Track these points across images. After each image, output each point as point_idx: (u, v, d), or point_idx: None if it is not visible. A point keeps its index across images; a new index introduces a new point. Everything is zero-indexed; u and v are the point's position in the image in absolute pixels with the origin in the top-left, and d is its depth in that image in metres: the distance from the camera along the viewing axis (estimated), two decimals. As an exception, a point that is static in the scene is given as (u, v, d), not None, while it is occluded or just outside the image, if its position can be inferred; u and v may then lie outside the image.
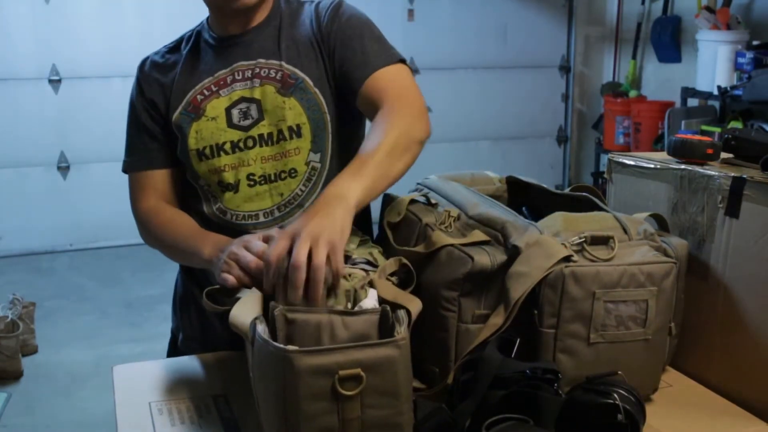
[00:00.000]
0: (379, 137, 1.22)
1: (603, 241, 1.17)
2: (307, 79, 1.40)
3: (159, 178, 1.47)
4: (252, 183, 1.40)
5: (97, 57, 4.75)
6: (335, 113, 1.41)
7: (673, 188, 1.38)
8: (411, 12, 5.29)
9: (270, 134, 1.39)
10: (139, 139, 1.47)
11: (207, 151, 1.40)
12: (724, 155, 1.40)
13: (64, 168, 4.84)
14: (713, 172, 1.31)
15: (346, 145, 1.43)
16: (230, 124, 1.40)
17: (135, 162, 1.48)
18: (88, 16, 4.71)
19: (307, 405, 0.94)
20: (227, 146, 1.40)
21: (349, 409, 0.95)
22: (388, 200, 1.40)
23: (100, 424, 2.71)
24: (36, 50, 4.66)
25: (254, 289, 1.11)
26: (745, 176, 1.25)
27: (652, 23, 5.19)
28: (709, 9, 4.49)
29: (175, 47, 1.49)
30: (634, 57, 5.42)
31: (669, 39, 5.06)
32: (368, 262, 1.22)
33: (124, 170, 1.50)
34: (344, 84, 1.39)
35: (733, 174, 1.27)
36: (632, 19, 5.42)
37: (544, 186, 1.46)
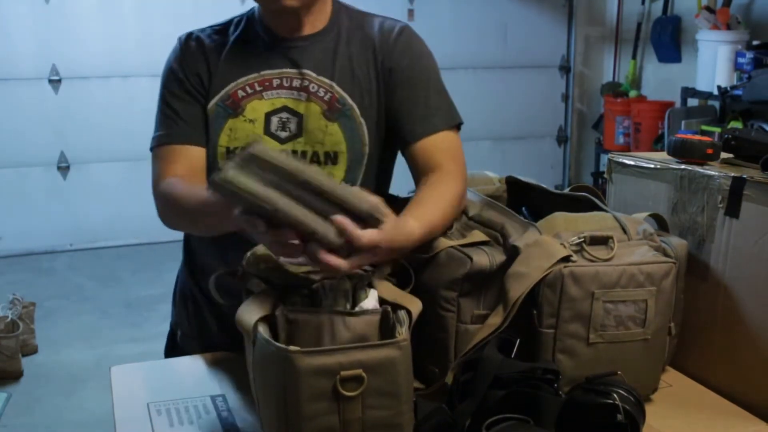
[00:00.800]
0: (444, 198, 1.24)
1: (602, 241, 1.17)
2: (356, 108, 1.35)
3: (190, 153, 1.35)
4: None
5: (97, 57, 4.75)
6: (375, 147, 1.38)
7: (673, 188, 1.38)
8: (411, 12, 5.30)
9: (304, 153, 1.35)
10: (175, 111, 1.35)
11: (238, 152, 1.34)
12: (724, 155, 1.39)
13: (64, 168, 4.84)
14: (713, 172, 1.31)
15: (376, 179, 1.41)
16: (267, 131, 1.35)
17: (168, 135, 1.35)
18: (88, 16, 4.71)
19: (307, 405, 0.94)
20: None
21: (350, 409, 0.95)
22: (391, 199, 1.39)
23: (100, 424, 2.71)
24: (36, 50, 4.66)
25: (266, 288, 1.11)
26: (745, 176, 1.25)
27: (652, 23, 5.19)
28: (709, 9, 4.49)
29: (222, 29, 1.41)
30: (634, 57, 5.41)
31: (669, 39, 5.06)
32: (368, 262, 1.21)
33: (154, 146, 1.37)
34: (396, 127, 1.36)
35: (733, 174, 1.27)
36: (632, 19, 5.41)
37: (544, 186, 1.46)
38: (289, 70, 1.34)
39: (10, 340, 3.15)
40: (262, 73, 1.35)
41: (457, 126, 1.37)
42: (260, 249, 1.19)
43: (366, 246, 0.99)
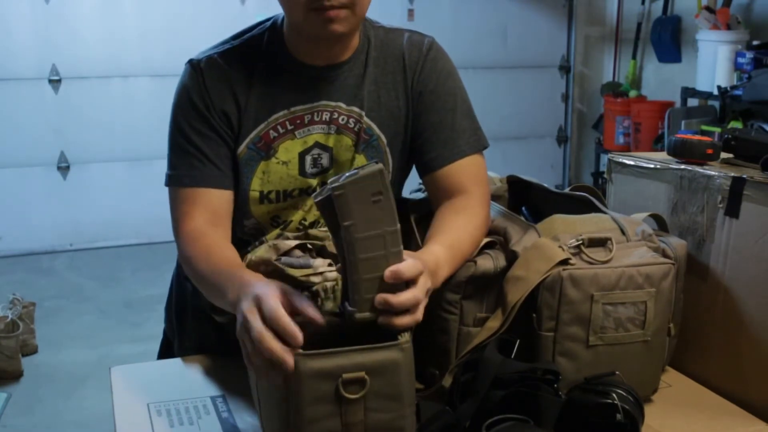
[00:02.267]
0: (473, 227, 1.22)
1: (601, 243, 1.17)
2: (383, 137, 1.31)
3: (215, 198, 1.25)
4: (301, 227, 1.33)
5: (97, 57, 4.75)
6: (396, 173, 1.36)
7: (673, 188, 1.38)
8: (411, 12, 5.29)
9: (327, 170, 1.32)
10: (200, 150, 1.25)
11: (272, 195, 1.30)
12: (724, 155, 1.39)
13: (64, 168, 4.84)
14: (713, 172, 1.31)
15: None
16: (302, 172, 1.30)
17: (192, 177, 1.25)
18: (88, 16, 4.71)
19: (309, 409, 0.93)
20: (295, 192, 1.31)
21: (352, 412, 0.94)
22: (401, 200, 1.39)
23: (100, 424, 2.70)
24: (36, 50, 4.66)
25: None
26: (745, 176, 1.24)
27: (652, 23, 5.19)
28: (709, 9, 4.49)
29: (242, 51, 1.28)
30: (634, 57, 5.41)
31: (669, 39, 5.06)
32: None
33: (170, 184, 1.27)
34: (420, 151, 1.32)
35: (733, 174, 1.27)
36: (632, 19, 5.41)
37: (545, 185, 1.46)
38: (319, 103, 1.28)
39: (10, 340, 3.14)
40: (293, 109, 1.28)
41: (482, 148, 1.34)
42: (259, 252, 1.19)
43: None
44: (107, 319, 3.89)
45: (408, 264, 0.97)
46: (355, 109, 1.29)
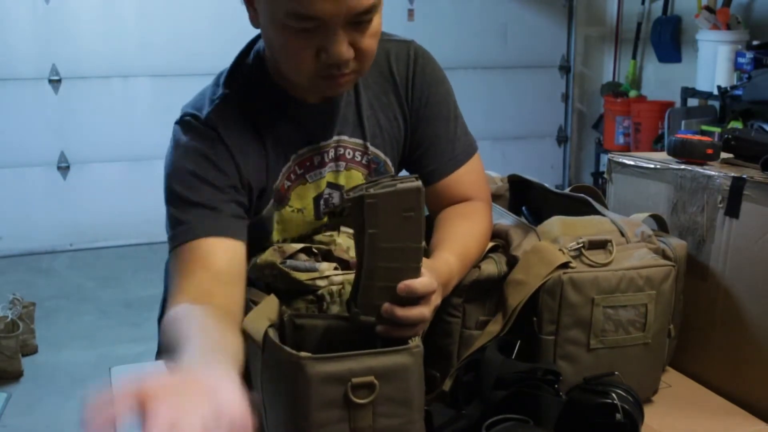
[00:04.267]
0: (480, 233, 1.21)
1: (601, 245, 1.17)
2: (389, 162, 1.28)
3: (236, 250, 1.10)
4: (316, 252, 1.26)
5: (97, 57, 4.74)
6: None
7: (673, 188, 1.38)
8: (411, 12, 5.29)
9: (343, 209, 1.28)
10: (203, 197, 1.10)
11: (288, 240, 1.26)
12: (724, 155, 1.39)
13: (64, 168, 4.84)
14: (713, 172, 1.31)
15: None
16: (318, 216, 1.25)
17: (191, 228, 1.08)
18: (88, 16, 4.70)
19: (318, 413, 0.92)
20: (310, 232, 1.27)
21: (361, 417, 0.93)
22: None
23: (99, 424, 2.70)
24: (36, 50, 4.66)
25: (272, 296, 1.10)
26: (745, 176, 1.24)
27: (652, 23, 5.19)
28: (709, 9, 4.48)
29: (242, 98, 1.17)
30: (634, 57, 5.41)
31: (669, 39, 5.05)
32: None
33: (175, 246, 1.09)
34: (418, 164, 1.29)
35: (733, 174, 1.27)
36: (632, 19, 5.41)
37: (545, 185, 1.46)
38: (323, 143, 1.22)
39: (10, 340, 3.14)
40: (300, 153, 1.21)
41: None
42: (264, 255, 1.19)
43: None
44: (107, 319, 3.88)
45: (423, 282, 0.97)
46: (359, 140, 1.25)
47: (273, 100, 1.19)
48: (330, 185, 1.25)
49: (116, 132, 4.82)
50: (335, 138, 1.23)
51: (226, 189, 1.12)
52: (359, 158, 1.26)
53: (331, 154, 1.23)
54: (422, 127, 1.28)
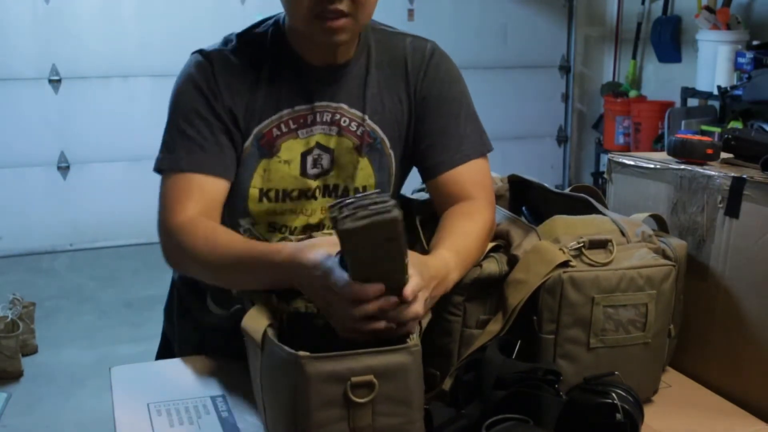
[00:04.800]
0: (481, 231, 1.22)
1: (601, 244, 1.17)
2: (386, 140, 1.31)
3: (212, 187, 1.22)
4: (305, 234, 1.30)
5: (97, 57, 4.75)
6: (398, 176, 1.36)
7: (673, 188, 1.38)
8: (411, 12, 5.29)
9: (336, 186, 1.32)
10: (201, 135, 1.22)
11: (272, 194, 1.29)
12: (724, 155, 1.40)
13: (64, 168, 4.84)
14: (713, 172, 1.31)
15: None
16: (303, 172, 1.29)
17: (189, 161, 1.22)
18: (88, 16, 4.71)
19: (317, 412, 0.92)
20: (294, 193, 1.30)
21: (361, 416, 0.93)
22: (404, 201, 1.39)
23: (100, 424, 2.70)
24: (36, 50, 4.66)
25: (272, 295, 1.10)
26: (745, 176, 1.24)
27: (652, 23, 5.19)
28: (709, 9, 4.49)
29: (249, 54, 1.27)
30: (634, 57, 5.41)
31: (669, 39, 5.06)
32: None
33: (162, 168, 1.24)
34: (424, 156, 1.32)
35: (733, 174, 1.27)
36: (632, 19, 5.41)
37: (545, 185, 1.46)
38: (322, 104, 1.28)
39: (10, 340, 3.14)
40: (296, 108, 1.27)
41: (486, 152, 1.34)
42: None
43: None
44: (107, 319, 3.89)
45: (410, 286, 0.97)
46: (358, 112, 1.29)
47: (281, 60, 1.27)
48: (320, 146, 1.29)
49: (116, 132, 4.83)
50: (334, 105, 1.28)
51: (217, 124, 1.23)
52: (354, 128, 1.29)
53: (327, 117, 1.28)
54: (430, 118, 1.31)
